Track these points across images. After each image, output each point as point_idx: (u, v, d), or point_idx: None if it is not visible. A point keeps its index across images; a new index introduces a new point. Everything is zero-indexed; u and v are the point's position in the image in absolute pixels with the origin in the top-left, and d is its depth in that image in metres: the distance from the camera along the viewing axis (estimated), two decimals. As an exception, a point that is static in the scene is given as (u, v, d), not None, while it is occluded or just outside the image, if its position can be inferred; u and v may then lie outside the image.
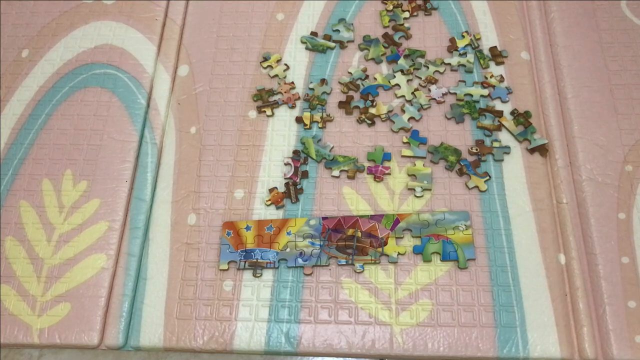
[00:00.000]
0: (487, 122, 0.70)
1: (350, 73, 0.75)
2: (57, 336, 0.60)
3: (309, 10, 0.80)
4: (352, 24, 0.79)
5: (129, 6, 0.81)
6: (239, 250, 0.64)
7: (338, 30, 0.78)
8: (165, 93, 0.75)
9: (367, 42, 0.77)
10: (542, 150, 0.68)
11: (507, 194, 0.65)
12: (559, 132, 0.69)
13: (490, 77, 0.73)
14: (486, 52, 0.75)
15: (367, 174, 0.68)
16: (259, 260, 0.63)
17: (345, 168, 0.68)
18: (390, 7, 0.79)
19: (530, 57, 0.75)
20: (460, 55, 0.75)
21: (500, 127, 0.70)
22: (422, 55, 0.75)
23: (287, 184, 0.67)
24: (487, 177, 0.66)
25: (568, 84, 0.71)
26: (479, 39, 0.76)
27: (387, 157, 0.68)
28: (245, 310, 0.61)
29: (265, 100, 0.73)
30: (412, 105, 0.72)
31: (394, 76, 0.74)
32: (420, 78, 0.74)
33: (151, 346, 0.60)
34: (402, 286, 0.61)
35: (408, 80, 0.74)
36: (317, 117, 0.72)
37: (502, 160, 0.68)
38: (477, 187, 0.66)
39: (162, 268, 0.64)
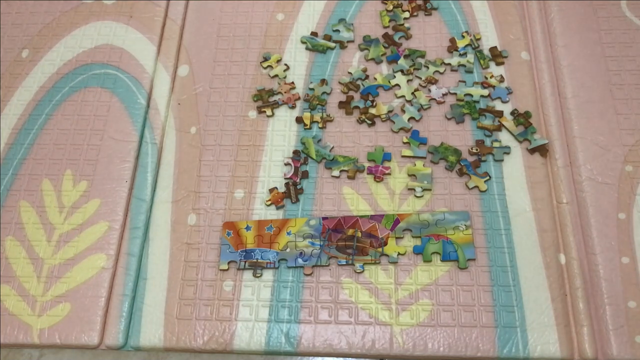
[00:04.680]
0: (487, 122, 0.70)
1: (350, 73, 0.75)
2: (57, 336, 0.60)
3: (309, 10, 0.80)
4: (352, 24, 0.79)
5: (129, 6, 0.81)
6: (239, 251, 0.64)
7: (338, 30, 0.78)
8: (165, 93, 0.75)
9: (367, 42, 0.77)
10: (542, 150, 0.68)
11: (507, 194, 0.65)
12: (559, 132, 0.69)
13: (490, 77, 0.73)
14: (486, 52, 0.75)
15: (367, 174, 0.68)
16: (259, 261, 0.63)
17: (346, 168, 0.68)
18: (390, 7, 0.79)
19: (530, 57, 0.75)
20: (461, 55, 0.75)
21: (500, 127, 0.70)
22: (422, 56, 0.75)
23: (287, 184, 0.67)
24: (487, 177, 0.66)
25: (568, 84, 0.71)
26: (479, 39, 0.76)
27: (387, 157, 0.68)
28: (246, 310, 0.61)
29: (265, 101, 0.73)
30: (412, 105, 0.72)
31: (394, 76, 0.74)
32: (421, 78, 0.74)
33: (151, 346, 0.60)
34: (402, 286, 0.61)
35: (408, 81, 0.74)
36: (317, 117, 0.72)
37: (502, 160, 0.68)
38: (477, 187, 0.66)
39: (162, 268, 0.64)
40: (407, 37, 0.77)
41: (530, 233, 0.63)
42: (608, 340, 0.58)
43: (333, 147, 0.70)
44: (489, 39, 0.76)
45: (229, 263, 0.63)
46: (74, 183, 0.69)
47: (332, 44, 0.77)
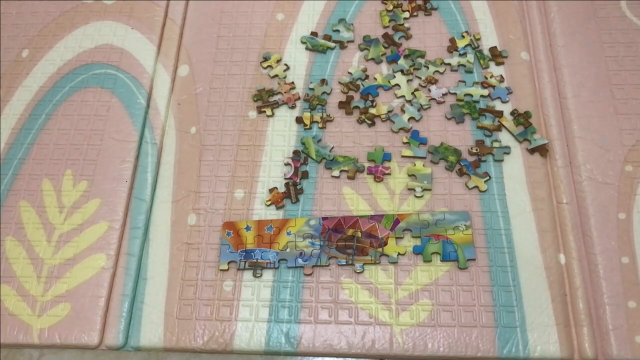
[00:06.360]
0: (487, 122, 0.70)
1: (350, 73, 0.75)
2: (57, 336, 0.60)
3: (309, 10, 0.80)
4: (352, 24, 0.79)
5: (129, 6, 0.81)
6: (239, 251, 0.64)
7: (338, 30, 0.78)
8: (165, 93, 0.75)
9: (367, 42, 0.77)
10: (542, 150, 0.68)
11: (507, 194, 0.65)
12: (559, 132, 0.69)
13: (490, 77, 0.73)
14: (486, 52, 0.75)
15: (367, 174, 0.68)
16: (259, 261, 0.63)
17: (346, 168, 0.68)
18: (390, 7, 0.79)
19: (530, 57, 0.75)
20: (460, 55, 0.75)
21: (500, 127, 0.70)
22: (422, 56, 0.75)
23: (287, 184, 0.67)
24: (487, 177, 0.66)
25: (568, 84, 0.71)
26: (479, 39, 0.76)
27: (387, 157, 0.68)
28: (246, 310, 0.61)
29: (265, 101, 0.73)
30: (412, 105, 0.72)
31: (394, 76, 0.74)
32: (420, 78, 0.74)
33: (151, 346, 0.60)
34: (402, 286, 0.61)
35: (408, 81, 0.74)
36: (317, 117, 0.72)
37: (502, 160, 0.68)
38: (477, 187, 0.66)
39: (162, 268, 0.64)
40: (407, 37, 0.77)
41: (530, 233, 0.63)
42: (608, 340, 0.58)
43: (333, 147, 0.70)
44: (489, 39, 0.76)
45: (229, 263, 0.63)
46: (74, 183, 0.69)
47: (332, 44, 0.77)
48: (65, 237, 0.65)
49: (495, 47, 0.75)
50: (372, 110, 0.72)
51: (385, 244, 0.63)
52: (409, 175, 0.67)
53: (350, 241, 0.63)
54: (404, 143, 0.69)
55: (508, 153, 0.68)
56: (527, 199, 0.65)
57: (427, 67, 0.74)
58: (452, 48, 0.76)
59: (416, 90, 0.73)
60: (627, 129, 0.68)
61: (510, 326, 0.59)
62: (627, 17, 0.76)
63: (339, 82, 0.74)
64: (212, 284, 0.63)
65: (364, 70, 0.75)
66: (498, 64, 0.74)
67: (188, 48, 0.78)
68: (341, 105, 0.73)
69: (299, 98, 0.74)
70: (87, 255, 0.64)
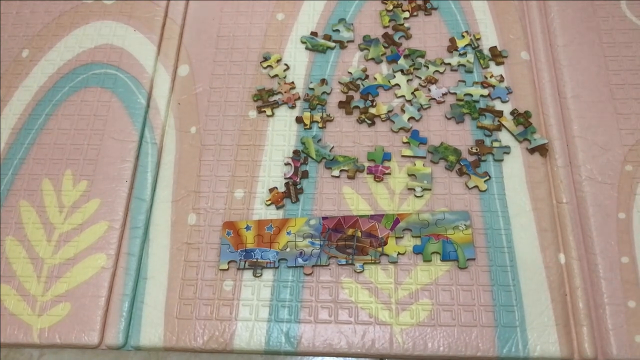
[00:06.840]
0: (487, 122, 0.70)
1: (350, 73, 0.75)
2: (57, 336, 0.60)
3: (309, 10, 0.80)
4: (352, 24, 0.79)
5: (129, 6, 0.81)
6: (239, 250, 0.64)
7: (338, 30, 0.78)
8: (165, 93, 0.75)
9: (367, 42, 0.77)
10: (542, 150, 0.68)
11: (507, 194, 0.66)
12: (558, 132, 0.69)
13: (490, 77, 0.73)
14: (486, 52, 0.75)
15: (367, 173, 0.68)
16: (259, 260, 0.63)
17: (346, 168, 0.68)
18: (390, 7, 0.79)
19: (530, 57, 0.75)
20: (460, 55, 0.75)
21: (500, 127, 0.70)
22: (422, 55, 0.75)
23: (287, 184, 0.67)
24: (487, 177, 0.66)
25: (568, 84, 0.72)
26: (479, 39, 0.76)
27: (387, 157, 0.68)
28: (246, 310, 0.61)
29: (265, 100, 0.73)
30: (412, 105, 0.72)
31: (394, 76, 0.74)
32: (420, 78, 0.74)
33: (151, 346, 0.60)
34: (402, 286, 0.61)
35: (408, 80, 0.74)
36: (317, 117, 0.72)
37: (502, 160, 0.68)
38: (477, 187, 0.66)
39: (162, 268, 0.64)
40: (407, 37, 0.77)
41: (530, 233, 0.63)
42: (608, 340, 0.58)
43: (333, 147, 0.70)
44: (489, 39, 0.76)
45: (229, 263, 0.63)
46: (74, 183, 0.69)
47: (332, 44, 0.77)
48: (65, 236, 0.65)
49: (495, 47, 0.75)
50: (372, 110, 0.72)
51: (385, 243, 0.63)
52: (409, 175, 0.67)
53: (350, 241, 0.63)
54: (404, 143, 0.69)
55: (508, 153, 0.68)
56: (527, 198, 0.65)
57: (427, 67, 0.74)
58: (452, 48, 0.76)
59: (416, 90, 0.73)
60: (627, 129, 0.68)
61: (510, 326, 0.59)
62: (627, 17, 0.76)
63: (339, 82, 0.74)
64: (212, 283, 0.63)
65: (364, 70, 0.75)
66: (498, 63, 0.74)
67: (188, 48, 0.79)
68: (341, 105, 0.73)
69: (299, 98, 0.74)
70: (87, 255, 0.64)
